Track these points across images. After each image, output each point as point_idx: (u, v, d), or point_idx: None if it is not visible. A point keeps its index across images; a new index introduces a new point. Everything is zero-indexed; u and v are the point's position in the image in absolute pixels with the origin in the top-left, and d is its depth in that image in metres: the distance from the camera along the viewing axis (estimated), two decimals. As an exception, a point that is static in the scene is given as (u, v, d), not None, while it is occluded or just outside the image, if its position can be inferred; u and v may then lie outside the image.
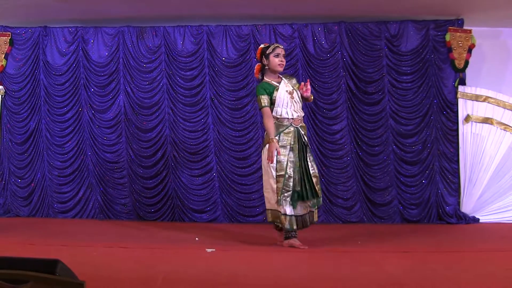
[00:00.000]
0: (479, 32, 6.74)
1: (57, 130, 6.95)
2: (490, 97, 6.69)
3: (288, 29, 6.80)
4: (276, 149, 4.77)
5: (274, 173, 4.84)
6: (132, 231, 6.12)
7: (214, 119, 6.84)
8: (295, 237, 4.96)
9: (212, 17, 6.81)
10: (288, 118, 4.89)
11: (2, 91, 6.95)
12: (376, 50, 6.78)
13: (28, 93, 6.95)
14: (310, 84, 5.17)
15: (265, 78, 5.05)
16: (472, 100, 6.69)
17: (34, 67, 6.95)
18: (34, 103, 6.96)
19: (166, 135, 6.87)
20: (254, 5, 6.42)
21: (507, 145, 6.67)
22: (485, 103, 6.69)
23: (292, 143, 4.87)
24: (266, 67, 5.02)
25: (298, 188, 4.83)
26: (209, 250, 4.75)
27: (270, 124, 4.86)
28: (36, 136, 6.96)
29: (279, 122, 4.92)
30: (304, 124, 5.04)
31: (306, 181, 4.87)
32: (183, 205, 6.81)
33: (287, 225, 4.84)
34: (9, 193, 6.97)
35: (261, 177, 5.23)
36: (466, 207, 6.72)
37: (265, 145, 4.94)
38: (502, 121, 6.67)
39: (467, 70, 6.70)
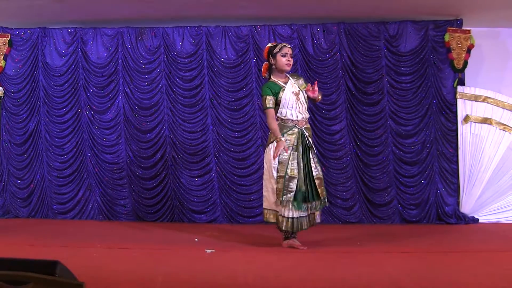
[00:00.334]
0: (478, 33, 6.74)
1: (56, 131, 6.94)
2: (489, 97, 6.69)
3: (287, 30, 6.80)
4: (284, 148, 4.77)
5: (275, 173, 4.85)
6: (131, 232, 6.13)
7: (213, 120, 6.84)
8: (294, 237, 4.97)
9: (211, 17, 6.80)
10: (292, 120, 4.90)
11: (1, 92, 6.94)
12: (375, 51, 6.78)
13: (27, 94, 6.95)
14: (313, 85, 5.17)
15: (272, 77, 5.04)
16: (471, 101, 6.69)
17: (33, 68, 6.94)
18: (33, 104, 6.95)
19: (166, 136, 6.87)
20: (253, 6, 6.41)
21: (506, 145, 6.67)
22: (484, 103, 6.69)
23: (295, 144, 4.87)
24: (273, 67, 5.00)
25: (304, 189, 4.82)
26: (208, 250, 4.76)
27: (274, 126, 4.88)
28: (35, 137, 6.95)
29: (283, 123, 4.92)
30: (309, 126, 5.04)
31: (308, 183, 4.86)
32: (183, 205, 6.81)
33: (283, 227, 4.85)
34: (9, 194, 6.96)
35: (260, 177, 5.25)
36: (466, 207, 6.72)
37: (268, 145, 4.96)
38: (501, 121, 6.67)
39: (466, 71, 6.70)
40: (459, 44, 6.65)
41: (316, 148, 6.62)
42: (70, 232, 6.05)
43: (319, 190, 4.90)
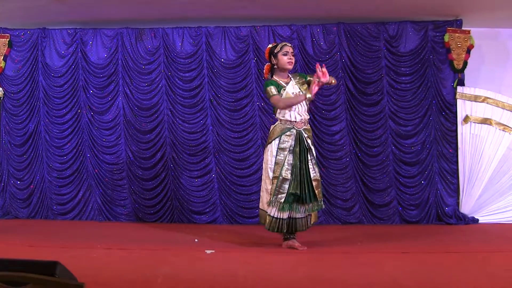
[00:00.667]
0: (478, 33, 6.74)
1: (56, 131, 6.94)
2: (489, 98, 6.69)
3: (286, 30, 6.80)
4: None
5: (270, 174, 4.87)
6: (131, 232, 6.12)
7: (213, 121, 6.84)
8: (294, 238, 4.97)
9: (211, 18, 6.81)
10: (290, 121, 4.89)
11: (1, 93, 6.95)
12: (375, 51, 6.78)
13: (27, 95, 6.95)
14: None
15: (274, 77, 5.04)
16: (471, 101, 6.69)
17: (33, 69, 6.94)
18: (33, 104, 6.95)
19: (165, 136, 6.87)
20: (252, 6, 6.42)
21: (506, 145, 6.67)
22: (484, 104, 6.69)
23: (293, 145, 4.86)
24: (275, 66, 5.00)
25: (297, 191, 4.82)
26: (208, 251, 4.77)
27: (288, 100, 4.84)
28: (35, 137, 6.95)
29: (281, 124, 4.92)
30: (308, 127, 5.02)
31: (306, 184, 4.86)
32: (182, 206, 6.81)
33: (267, 226, 4.87)
34: (8, 195, 6.96)
35: (260, 178, 5.23)
36: (465, 207, 6.72)
37: (267, 145, 4.97)
38: (501, 121, 6.67)
39: (466, 71, 6.70)
40: (458, 44, 6.66)
41: (316, 148, 6.61)
42: (70, 233, 6.04)
43: (316, 192, 4.89)
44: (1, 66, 6.91)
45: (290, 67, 4.98)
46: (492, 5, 6.29)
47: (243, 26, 6.83)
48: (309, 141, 4.96)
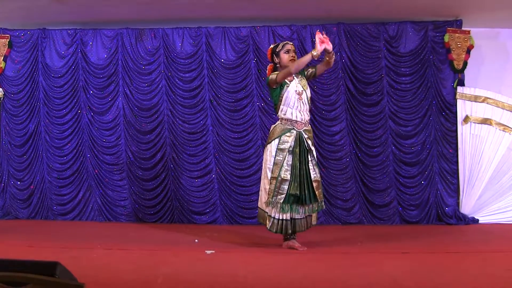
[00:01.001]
0: (478, 33, 6.75)
1: (56, 132, 6.94)
2: (489, 98, 6.69)
3: (286, 31, 6.80)
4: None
5: (269, 174, 4.88)
6: (131, 233, 6.13)
7: (213, 121, 6.84)
8: (294, 238, 4.98)
9: (211, 18, 6.81)
10: (291, 120, 4.88)
11: (1, 93, 6.95)
12: (375, 51, 6.78)
13: (27, 95, 6.95)
14: (310, 87, 5.16)
15: None
16: (471, 101, 6.69)
17: (33, 69, 6.94)
18: (33, 105, 6.95)
19: (165, 136, 6.87)
20: (252, 7, 6.42)
21: (506, 145, 6.67)
22: (484, 104, 6.69)
23: (293, 146, 4.86)
24: (278, 65, 5.00)
25: (296, 192, 4.82)
26: (208, 251, 4.77)
27: (299, 60, 4.80)
28: (35, 138, 6.95)
29: (282, 124, 4.92)
30: (309, 128, 5.03)
31: (306, 185, 4.86)
32: (183, 207, 6.82)
33: (270, 227, 4.89)
34: (8, 195, 6.96)
35: (260, 178, 5.24)
36: (466, 208, 6.72)
37: (266, 145, 4.97)
38: (501, 121, 6.67)
39: (466, 71, 6.70)
40: (458, 44, 6.66)
41: (316, 149, 6.58)
42: (70, 233, 6.05)
43: (316, 192, 4.89)
44: (1, 67, 6.91)
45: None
46: (492, 5, 6.29)
47: (243, 27, 6.83)
48: (309, 141, 4.96)
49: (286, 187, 4.82)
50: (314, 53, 4.70)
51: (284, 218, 4.86)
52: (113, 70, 6.91)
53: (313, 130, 6.60)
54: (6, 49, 6.90)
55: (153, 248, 5.00)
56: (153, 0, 6.14)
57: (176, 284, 3.66)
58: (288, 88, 4.91)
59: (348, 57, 6.77)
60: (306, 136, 4.94)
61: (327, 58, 4.94)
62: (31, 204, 6.94)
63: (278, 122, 4.98)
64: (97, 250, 4.83)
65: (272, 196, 4.83)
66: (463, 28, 6.71)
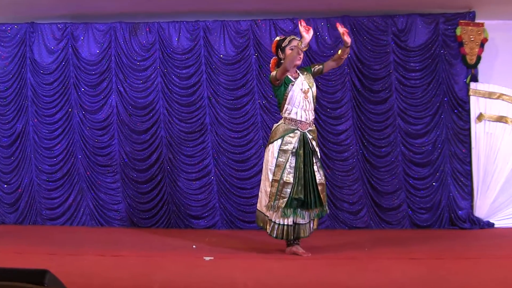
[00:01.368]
0: (492, 26, 6.74)
1: (45, 132, 6.96)
2: (505, 94, 6.69)
3: (289, 24, 6.81)
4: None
5: (270, 176, 4.88)
6: (125, 238, 6.14)
7: (211, 120, 6.85)
8: (297, 244, 4.99)
9: (209, 12, 6.82)
10: (296, 120, 4.88)
11: (-13, 91, 6.97)
12: (383, 46, 6.79)
13: (14, 93, 6.96)
14: (317, 87, 5.17)
15: None
16: (485, 98, 6.70)
17: (21, 65, 6.95)
18: (20, 103, 6.96)
19: (161, 136, 6.89)
20: (253, -1, 6.44)
21: (522, 145, 6.68)
22: (499, 101, 6.69)
23: (296, 147, 4.87)
24: (282, 61, 4.96)
25: (300, 196, 4.83)
26: (207, 258, 4.78)
27: (289, 56, 4.79)
28: (23, 138, 6.96)
29: (285, 124, 4.92)
30: (313, 128, 5.03)
31: (311, 189, 4.87)
32: (179, 210, 6.83)
33: (274, 233, 4.89)
34: (-5, 199, 6.99)
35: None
36: (480, 211, 6.72)
37: (268, 145, 4.98)
38: (517, 119, 6.68)
39: (480, 66, 6.71)
40: (471, 38, 6.66)
41: (321, 149, 6.64)
42: (60, 239, 6.05)
43: (321, 196, 4.91)
44: (-13, 63, 6.93)
45: (299, 62, 4.93)
46: (507, -5, 6.29)
47: (243, 20, 6.84)
48: (313, 142, 4.96)
49: (288, 190, 4.82)
50: (301, 44, 4.69)
51: (286, 223, 4.87)
52: (105, 66, 6.92)
53: (318, 129, 6.60)
54: (-8, 44, 6.93)
55: (149, 255, 5.01)
56: (147, -8, 6.16)
57: (172, 293, 3.67)
58: (293, 87, 4.90)
59: (354, 52, 6.77)
60: (310, 137, 4.95)
61: (339, 53, 4.96)
62: (19, 209, 6.95)
63: (281, 121, 4.98)
64: (88, 257, 4.83)
65: (274, 200, 4.83)
66: (476, 21, 6.71)
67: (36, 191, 6.95)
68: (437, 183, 6.75)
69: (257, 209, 5.08)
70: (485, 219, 6.71)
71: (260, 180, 5.16)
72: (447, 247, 5.52)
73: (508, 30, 6.99)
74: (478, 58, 6.68)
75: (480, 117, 6.69)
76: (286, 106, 4.92)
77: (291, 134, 4.89)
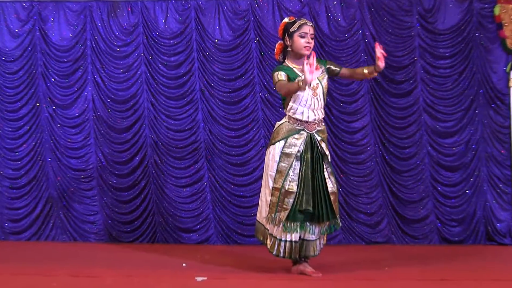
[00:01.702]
0: (537, 4, 6.74)
1: (8, 130, 6.98)
2: (551, 85, 6.68)
3: (296, 4, 6.80)
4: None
5: (271, 183, 4.87)
6: (102, 255, 6.15)
7: (205, 116, 6.86)
8: (306, 262, 4.98)
9: (202, -12, 6.83)
10: (301, 121, 4.84)
11: None
12: (406, 29, 6.77)
13: (-29, 84, 7.00)
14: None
15: (286, 61, 5.00)
16: (529, 89, 6.69)
17: (-21, 52, 6.98)
18: (-23, 97, 6.99)
19: (146, 135, 6.90)
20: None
21: None
22: (544, 93, 6.68)
23: (302, 151, 4.84)
24: (289, 49, 4.95)
25: (308, 207, 4.78)
26: (199, 278, 4.77)
27: (288, 85, 4.71)
28: (-18, 138, 6.99)
29: (290, 122, 4.88)
30: (323, 128, 5.00)
31: (322, 199, 4.84)
32: (167, 222, 6.83)
33: (275, 251, 4.87)
34: None
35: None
36: (523, 223, 6.71)
37: (269, 146, 4.96)
38: None
39: (523, 52, 6.70)
40: (513, 18, 6.64)
41: (333, 150, 6.63)
42: (26, 256, 6.05)
43: (333, 206, 4.88)
44: None
45: (307, 52, 4.88)
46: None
47: (241, -1, 6.86)
48: (323, 145, 4.93)
49: (291, 200, 4.79)
50: (301, 84, 4.57)
51: (289, 239, 4.83)
52: (80, 53, 6.94)
53: (329, 127, 6.62)
54: None
55: (130, 274, 5.00)
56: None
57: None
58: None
59: (373, 36, 6.76)
60: (319, 138, 4.92)
61: (365, 72, 4.96)
62: (-24, 221, 6.96)
63: (285, 119, 4.95)
64: (59, 278, 4.81)
65: (275, 212, 4.81)
66: (518, -2, 6.70)
67: (-3, 200, 6.97)
68: (471, 190, 6.72)
69: (257, 220, 5.07)
70: (529, 233, 6.70)
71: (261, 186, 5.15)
72: (483, 267, 5.49)
73: (555, 9, 6.98)
74: (521, 43, 6.67)
75: (522, 112, 6.68)
76: (291, 104, 4.88)
77: (296, 136, 4.86)
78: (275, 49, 5.13)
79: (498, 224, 6.67)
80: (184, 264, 5.50)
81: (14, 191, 6.95)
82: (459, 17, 6.75)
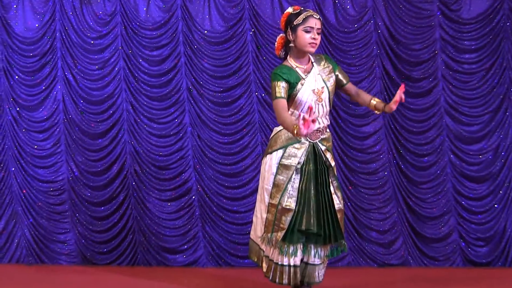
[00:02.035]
0: None
1: (-36, 135, 7.01)
2: None
3: (298, -11, 6.84)
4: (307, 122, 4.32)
5: (266, 198, 4.87)
6: (75, 279, 6.17)
7: (192, 119, 6.89)
8: (308, 286, 4.98)
9: (189, -28, 6.87)
10: None
11: None
12: (425, 18, 6.79)
13: None
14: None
15: (288, 58, 4.93)
16: None
17: None
18: None
19: (125, 141, 6.93)
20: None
21: None
22: None
23: (302, 163, 4.83)
24: (291, 44, 4.87)
25: (311, 228, 4.78)
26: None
27: (285, 118, 4.56)
28: None
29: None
30: (327, 135, 4.97)
31: (329, 218, 4.84)
32: (149, 242, 6.86)
33: (265, 270, 4.89)
34: None
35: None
36: (560, 243, 6.74)
37: (266, 155, 4.95)
38: None
39: (560, 46, 6.74)
40: (549, 5, 6.69)
41: (340, 158, 6.66)
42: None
43: (340, 225, 4.89)
44: None
45: (312, 50, 4.81)
46: None
47: (235, -16, 6.90)
48: (328, 155, 4.91)
49: (289, 219, 4.76)
50: (296, 132, 4.41)
51: (287, 263, 4.84)
52: (48, 46, 6.97)
53: (336, 132, 6.65)
54: None
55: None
56: None
57: None
58: (303, 87, 4.80)
59: (386, 27, 6.79)
60: (323, 147, 4.90)
61: (375, 104, 4.93)
62: None
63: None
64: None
65: (271, 232, 4.80)
66: (556, -19, 6.73)
67: (-48, 216, 7.01)
68: (499, 204, 6.74)
69: (251, 238, 5.08)
70: None
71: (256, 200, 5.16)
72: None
73: None
74: (559, 35, 6.71)
75: (559, 115, 6.71)
76: (292, 110, 4.81)
77: (297, 145, 4.84)
78: (276, 43, 5.05)
79: (532, 244, 6.72)
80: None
81: (-28, 206, 7.01)
82: (487, 4, 6.75)
